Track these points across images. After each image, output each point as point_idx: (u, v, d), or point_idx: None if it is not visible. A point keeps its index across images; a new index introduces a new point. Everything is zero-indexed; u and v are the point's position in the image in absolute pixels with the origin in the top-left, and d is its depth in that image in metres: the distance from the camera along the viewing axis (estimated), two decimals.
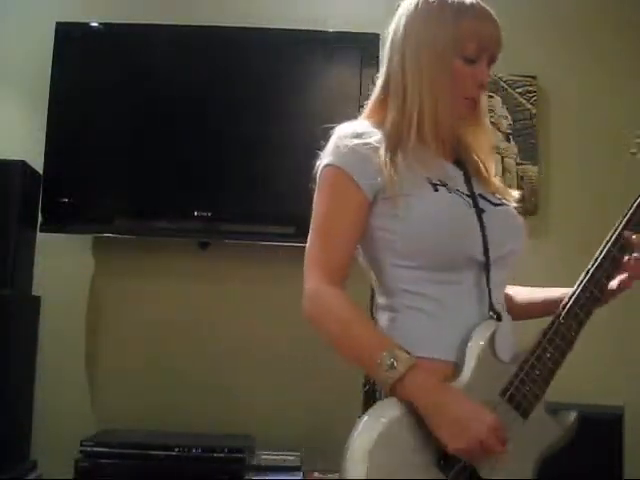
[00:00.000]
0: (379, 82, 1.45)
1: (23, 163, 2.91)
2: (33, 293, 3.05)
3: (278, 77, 3.08)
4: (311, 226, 1.36)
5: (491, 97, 3.26)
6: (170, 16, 3.19)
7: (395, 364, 1.20)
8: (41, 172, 3.04)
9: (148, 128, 3.09)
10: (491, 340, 1.31)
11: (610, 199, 3.25)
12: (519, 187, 3.22)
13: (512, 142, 3.24)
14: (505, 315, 1.39)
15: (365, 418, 1.21)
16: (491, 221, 1.37)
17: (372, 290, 1.44)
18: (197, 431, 2.98)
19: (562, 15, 3.32)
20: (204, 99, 3.04)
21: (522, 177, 3.22)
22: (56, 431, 3.03)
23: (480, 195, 1.41)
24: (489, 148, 1.52)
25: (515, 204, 1.49)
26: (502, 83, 3.27)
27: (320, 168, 1.38)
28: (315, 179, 1.41)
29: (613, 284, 1.43)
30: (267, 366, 3.07)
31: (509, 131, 3.25)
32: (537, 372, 1.35)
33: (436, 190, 1.34)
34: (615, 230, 1.44)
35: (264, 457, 2.80)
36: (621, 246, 1.42)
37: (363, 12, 3.29)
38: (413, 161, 1.34)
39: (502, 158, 3.24)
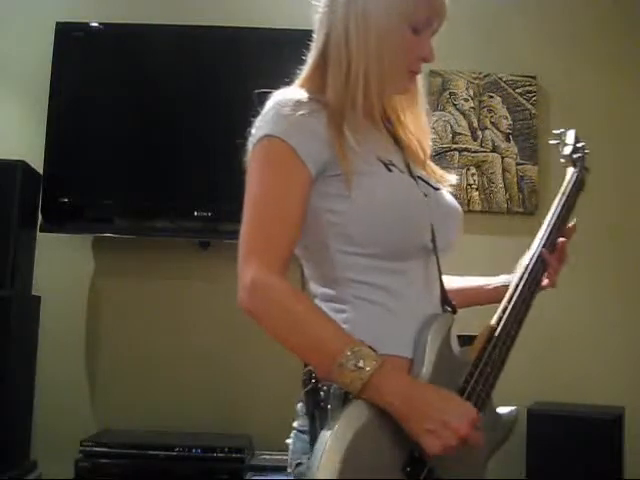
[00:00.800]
0: (315, 46, 1.28)
1: (23, 163, 2.91)
2: (33, 293, 3.05)
3: (278, 77, 3.08)
4: (247, 206, 1.18)
5: (491, 97, 3.27)
6: (170, 16, 3.19)
7: (362, 364, 1.07)
8: (41, 172, 3.04)
9: (148, 128, 3.09)
10: (448, 335, 1.22)
11: (610, 199, 3.26)
12: (519, 187, 3.22)
13: (512, 142, 3.25)
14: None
15: (330, 434, 1.05)
16: (435, 206, 1.27)
17: (302, 278, 1.29)
18: (197, 431, 2.98)
19: (562, 15, 3.32)
20: (204, 99, 3.05)
21: (522, 177, 3.22)
22: (56, 431, 3.03)
23: (419, 177, 1.29)
24: (426, 129, 1.38)
25: (451, 189, 1.38)
26: (502, 83, 3.27)
27: (256, 139, 1.20)
28: (247, 151, 1.25)
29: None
30: (267, 366, 3.07)
31: (509, 131, 3.25)
32: (489, 370, 1.23)
33: (390, 170, 1.22)
34: (537, 248, 1.44)
35: (264, 457, 2.80)
36: (542, 262, 1.43)
37: None
38: (360, 136, 1.21)
39: (502, 158, 3.24)
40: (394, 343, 1.17)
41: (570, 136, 1.65)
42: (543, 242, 1.45)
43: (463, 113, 3.26)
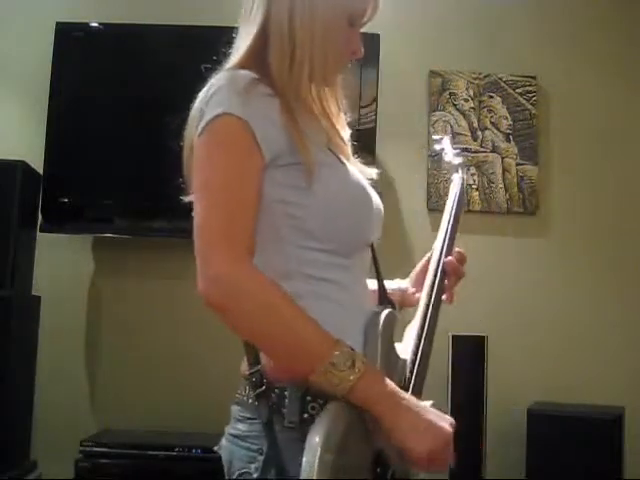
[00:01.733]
0: (251, 25, 1.19)
1: (23, 163, 2.91)
2: (33, 293, 3.05)
3: None
4: (204, 192, 1.09)
5: (491, 97, 3.27)
6: (170, 16, 3.19)
7: (355, 363, 1.03)
8: (41, 172, 3.04)
9: (148, 128, 3.09)
10: (393, 332, 1.20)
11: (610, 199, 3.26)
12: (519, 187, 3.22)
13: (512, 142, 3.24)
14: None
15: (318, 440, 1.00)
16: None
17: None
18: (197, 431, 2.98)
19: (562, 15, 3.32)
20: None
21: (522, 177, 3.22)
22: (56, 431, 3.03)
23: None
24: (345, 123, 1.32)
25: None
26: (502, 83, 3.27)
27: (212, 116, 1.10)
28: (192, 127, 1.16)
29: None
30: None
31: (509, 131, 3.25)
32: (421, 367, 1.21)
33: (342, 162, 1.19)
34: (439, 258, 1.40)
35: None
36: (443, 272, 1.38)
37: None
38: (309, 124, 1.17)
39: (502, 158, 3.24)
40: (347, 338, 1.09)
41: (447, 143, 1.67)
42: (445, 251, 1.41)
43: (463, 113, 3.26)
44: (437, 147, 1.69)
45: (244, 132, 1.09)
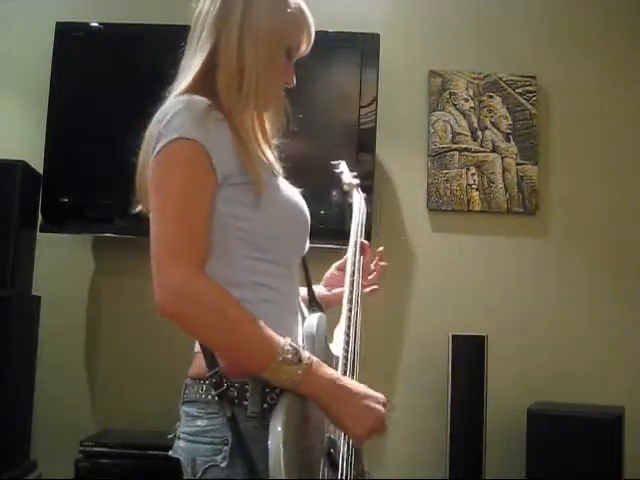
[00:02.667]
0: (201, 56, 1.30)
1: (23, 163, 2.91)
2: (33, 293, 3.05)
3: None
4: (165, 205, 1.18)
5: (491, 97, 3.27)
6: (170, 16, 3.18)
7: (301, 357, 1.15)
8: (41, 172, 3.04)
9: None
10: (325, 333, 1.32)
11: (610, 199, 3.26)
12: (519, 187, 3.22)
13: (512, 142, 3.24)
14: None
15: (280, 429, 1.11)
16: None
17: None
18: None
19: (562, 15, 3.32)
20: None
21: (522, 177, 3.22)
22: (56, 431, 3.03)
23: None
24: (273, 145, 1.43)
25: None
26: (502, 83, 3.27)
27: (169, 140, 1.19)
28: (149, 147, 1.26)
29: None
30: None
31: (509, 131, 3.25)
32: (353, 365, 1.33)
33: (281, 182, 1.31)
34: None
35: None
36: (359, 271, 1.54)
37: (363, 12, 3.30)
38: (254, 147, 1.29)
39: (502, 158, 3.24)
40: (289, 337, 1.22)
41: (344, 167, 1.87)
42: (357, 256, 1.56)
43: (463, 113, 3.26)
44: (336, 170, 1.87)
45: (200, 154, 1.18)
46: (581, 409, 2.90)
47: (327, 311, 1.47)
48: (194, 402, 1.26)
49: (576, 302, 3.19)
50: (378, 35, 3.08)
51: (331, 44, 3.08)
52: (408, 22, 3.33)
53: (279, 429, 1.10)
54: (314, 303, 1.37)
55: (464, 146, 3.24)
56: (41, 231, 3.04)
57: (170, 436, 1.42)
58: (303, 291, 1.44)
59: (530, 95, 3.26)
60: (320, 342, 1.29)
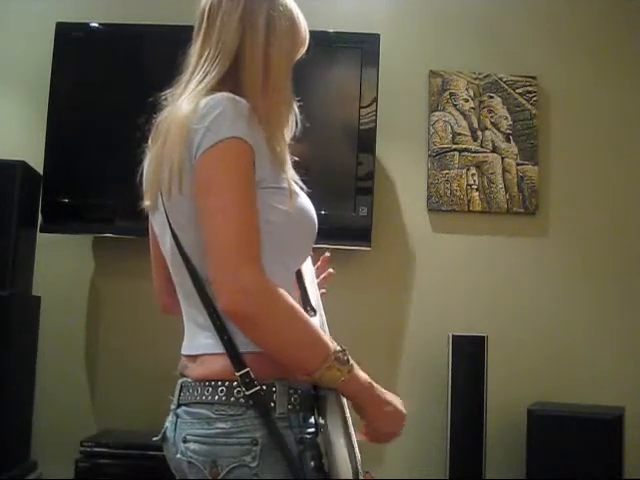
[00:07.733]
0: (224, 48, 1.29)
1: (23, 163, 2.91)
2: (33, 293, 3.05)
3: None
4: (225, 209, 1.16)
5: (491, 97, 3.27)
6: (170, 16, 3.18)
7: (348, 360, 1.20)
8: (41, 172, 3.04)
9: (148, 128, 3.09)
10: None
11: (610, 199, 3.26)
12: (519, 187, 3.22)
13: (512, 142, 3.24)
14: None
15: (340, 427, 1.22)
16: None
17: (196, 280, 1.24)
18: None
19: (562, 16, 3.33)
20: None
21: (522, 177, 3.22)
22: (56, 431, 3.03)
23: None
24: None
25: None
26: (502, 83, 3.27)
27: (221, 137, 1.17)
28: (197, 147, 1.19)
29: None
30: None
31: (509, 131, 3.25)
32: None
33: (294, 185, 1.31)
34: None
35: None
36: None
37: (363, 12, 3.30)
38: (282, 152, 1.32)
39: (502, 158, 3.24)
40: None
41: None
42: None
43: (463, 113, 3.26)
44: None
45: (251, 155, 1.19)
46: (581, 409, 2.90)
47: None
48: (208, 404, 1.24)
49: (576, 302, 3.19)
50: (378, 35, 3.08)
51: (331, 44, 3.09)
52: (408, 22, 3.33)
53: (339, 426, 1.20)
54: (309, 307, 1.36)
55: (464, 146, 3.24)
56: (41, 231, 3.04)
57: (156, 438, 1.40)
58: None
59: (530, 95, 3.26)
60: None
